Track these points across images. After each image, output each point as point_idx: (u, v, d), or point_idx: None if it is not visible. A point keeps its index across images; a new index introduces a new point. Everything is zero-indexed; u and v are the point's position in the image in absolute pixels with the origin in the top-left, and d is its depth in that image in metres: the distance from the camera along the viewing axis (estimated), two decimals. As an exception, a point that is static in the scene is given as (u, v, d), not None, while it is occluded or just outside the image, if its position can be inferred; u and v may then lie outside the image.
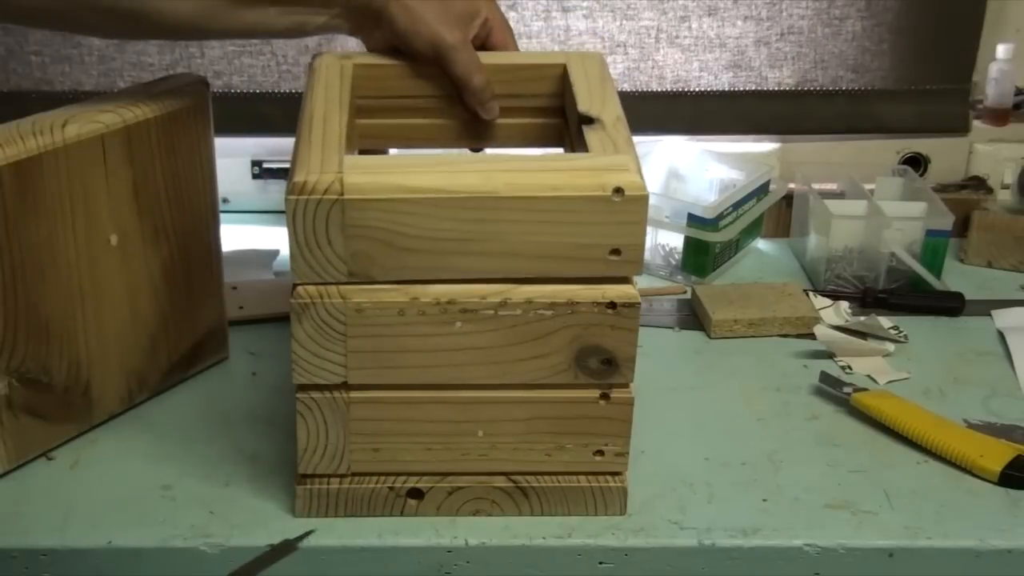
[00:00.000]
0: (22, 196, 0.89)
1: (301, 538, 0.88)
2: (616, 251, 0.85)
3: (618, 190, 0.83)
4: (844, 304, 1.24)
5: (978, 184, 1.44)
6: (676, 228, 1.28)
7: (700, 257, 1.29)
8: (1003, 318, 1.24)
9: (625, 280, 0.87)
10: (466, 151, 1.06)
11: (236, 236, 1.32)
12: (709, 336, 1.20)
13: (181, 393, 1.08)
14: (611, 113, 0.93)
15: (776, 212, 1.39)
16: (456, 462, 0.91)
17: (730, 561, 0.92)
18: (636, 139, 1.37)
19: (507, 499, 0.92)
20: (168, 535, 0.91)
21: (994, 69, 1.43)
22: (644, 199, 0.83)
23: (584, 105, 0.94)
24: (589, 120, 0.92)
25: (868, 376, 1.13)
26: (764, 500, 0.96)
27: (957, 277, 1.31)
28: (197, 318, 1.08)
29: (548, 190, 0.83)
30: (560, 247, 0.84)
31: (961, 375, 1.14)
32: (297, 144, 0.87)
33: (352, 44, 1.38)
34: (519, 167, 0.85)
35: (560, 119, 1.04)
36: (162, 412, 1.05)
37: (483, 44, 1.02)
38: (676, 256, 1.31)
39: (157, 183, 1.00)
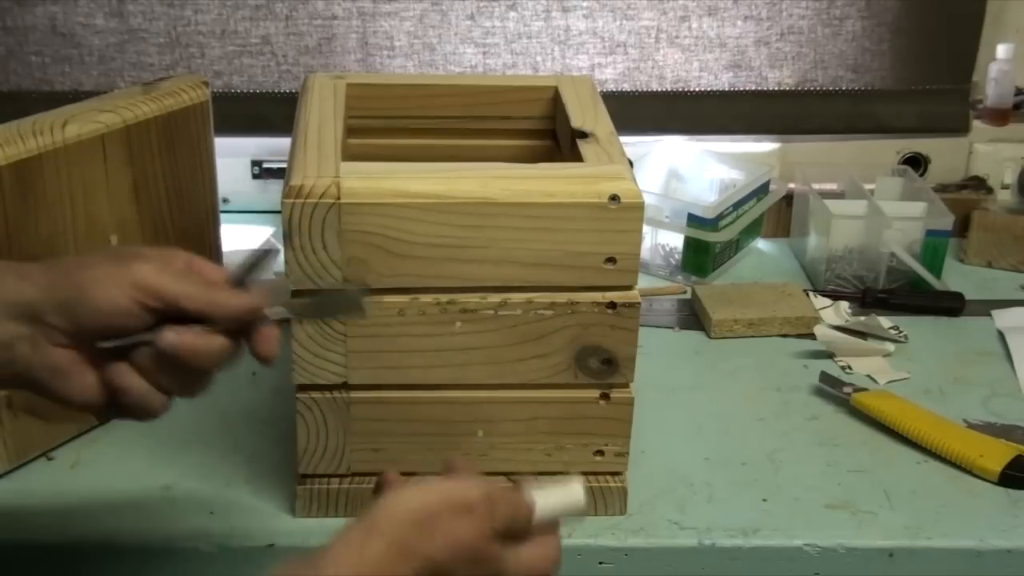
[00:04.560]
0: (22, 196, 0.89)
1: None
2: (611, 259, 0.85)
3: (614, 197, 0.83)
4: (844, 304, 1.24)
5: (978, 184, 1.44)
6: (676, 228, 1.28)
7: (700, 257, 1.28)
8: (1003, 318, 1.24)
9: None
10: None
11: (236, 236, 1.32)
12: (709, 336, 1.20)
13: (181, 393, 1.08)
14: (604, 128, 0.94)
15: (776, 212, 1.39)
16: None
17: (730, 561, 0.92)
18: (636, 139, 1.38)
19: (507, 499, 0.92)
20: (168, 535, 0.91)
21: (994, 69, 1.42)
22: (640, 207, 0.84)
23: (577, 122, 0.95)
24: (583, 135, 0.92)
25: (868, 376, 1.13)
26: (764, 500, 0.96)
27: (957, 277, 1.31)
28: (197, 318, 1.08)
29: (544, 196, 0.83)
30: (556, 255, 0.84)
31: (961, 375, 1.14)
32: (293, 151, 0.88)
33: (350, 60, 1.39)
34: (516, 174, 0.85)
35: (551, 140, 1.04)
36: (162, 412, 1.05)
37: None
38: (676, 256, 1.31)
39: (157, 183, 1.00)
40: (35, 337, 0.69)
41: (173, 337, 0.70)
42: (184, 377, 0.72)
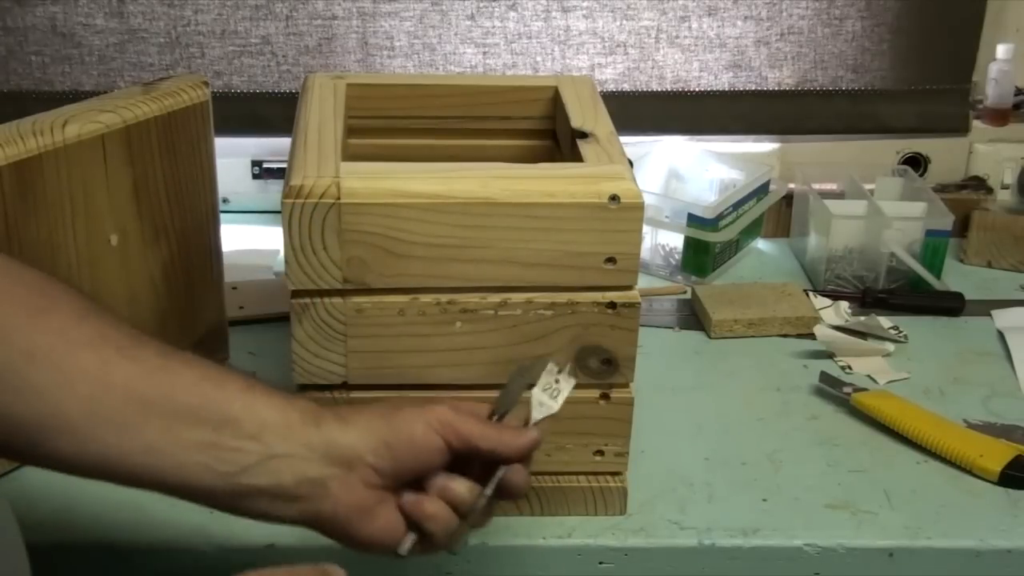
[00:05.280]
0: (22, 196, 0.89)
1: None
2: (611, 259, 0.85)
3: (614, 197, 0.83)
4: (844, 304, 1.24)
5: (978, 184, 1.44)
6: (676, 228, 1.28)
7: (700, 257, 1.29)
8: (1003, 318, 1.24)
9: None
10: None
11: (236, 236, 1.32)
12: (709, 336, 1.20)
13: (181, 393, 1.07)
14: (604, 128, 0.94)
15: (776, 212, 1.39)
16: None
17: (730, 561, 0.92)
18: (636, 139, 1.38)
19: (507, 499, 0.92)
20: (168, 535, 0.91)
21: (994, 69, 1.42)
22: (640, 207, 0.84)
23: (577, 122, 0.95)
24: (583, 135, 0.92)
25: (868, 376, 1.13)
26: (764, 500, 0.96)
27: (957, 277, 1.31)
28: (197, 318, 1.08)
29: (544, 196, 0.83)
30: (555, 255, 0.84)
31: (961, 375, 1.14)
32: (293, 150, 0.88)
33: (350, 60, 1.39)
34: (516, 174, 0.85)
35: (551, 141, 1.04)
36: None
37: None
38: (676, 256, 1.31)
39: (157, 183, 1.00)
40: (349, 478, 0.73)
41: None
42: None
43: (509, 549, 0.91)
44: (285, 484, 0.72)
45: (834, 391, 1.08)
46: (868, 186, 1.35)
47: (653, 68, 1.42)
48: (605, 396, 0.89)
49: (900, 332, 1.20)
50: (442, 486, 0.75)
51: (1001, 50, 1.41)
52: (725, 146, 1.43)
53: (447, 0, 1.37)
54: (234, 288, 1.21)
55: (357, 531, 0.74)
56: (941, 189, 1.42)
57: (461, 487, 0.75)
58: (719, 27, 1.41)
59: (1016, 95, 1.45)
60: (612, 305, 0.86)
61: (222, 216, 1.09)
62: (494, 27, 1.39)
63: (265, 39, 1.38)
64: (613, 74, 1.42)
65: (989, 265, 1.36)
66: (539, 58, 1.41)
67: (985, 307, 1.26)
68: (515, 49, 1.40)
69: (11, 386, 0.67)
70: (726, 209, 1.28)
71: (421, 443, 0.74)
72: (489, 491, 0.76)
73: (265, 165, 1.41)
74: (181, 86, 1.01)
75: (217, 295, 1.10)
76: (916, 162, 1.46)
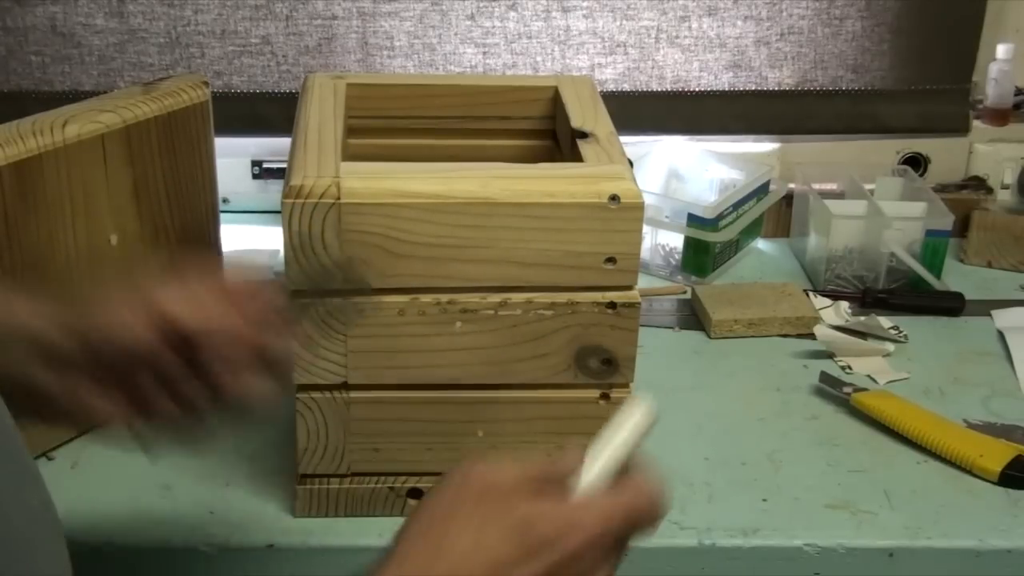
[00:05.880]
0: (22, 196, 0.89)
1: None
2: (611, 259, 0.85)
3: (614, 197, 0.83)
4: (844, 304, 1.24)
5: (978, 184, 1.44)
6: (676, 228, 1.28)
7: (700, 257, 1.28)
8: (1003, 318, 1.24)
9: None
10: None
11: (236, 236, 1.32)
12: (709, 336, 1.20)
13: (181, 393, 1.07)
14: (604, 128, 0.94)
15: (776, 212, 1.39)
16: (456, 462, 0.91)
17: (730, 561, 0.92)
18: (636, 139, 1.39)
19: (507, 499, 0.92)
20: (168, 535, 0.91)
21: (994, 69, 1.42)
22: (640, 207, 0.84)
23: (578, 122, 0.95)
24: (583, 135, 0.92)
25: (868, 376, 1.13)
26: (764, 500, 0.96)
27: (957, 277, 1.31)
28: (197, 318, 1.08)
29: (544, 196, 0.83)
30: (555, 255, 0.84)
31: (961, 375, 1.14)
32: (293, 151, 0.88)
33: (350, 60, 1.39)
34: (516, 174, 0.85)
35: (551, 140, 1.04)
36: (162, 412, 1.05)
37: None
38: (676, 256, 1.31)
39: (157, 183, 1.00)
40: (47, 363, 0.70)
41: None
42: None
43: (509, 549, 0.91)
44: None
45: (834, 391, 1.08)
46: (868, 186, 1.35)
47: (653, 68, 1.42)
48: (605, 396, 0.89)
49: (900, 332, 1.20)
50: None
51: (1001, 50, 1.41)
52: (725, 146, 1.43)
53: (447, 0, 1.37)
54: (234, 288, 1.20)
55: (76, 415, 0.72)
56: (941, 189, 1.42)
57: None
58: (719, 27, 1.41)
59: (1016, 95, 1.45)
60: (612, 305, 0.86)
61: (222, 216, 1.09)
62: (494, 27, 1.39)
63: (265, 39, 1.38)
64: (613, 74, 1.42)
65: (989, 265, 1.36)
66: (539, 58, 1.41)
67: (985, 307, 1.26)
68: (515, 49, 1.40)
69: None
70: (726, 209, 1.28)
71: (118, 332, 0.70)
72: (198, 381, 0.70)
73: (265, 165, 1.41)
74: (181, 86, 1.01)
75: (217, 295, 1.09)
76: (916, 162, 1.46)
